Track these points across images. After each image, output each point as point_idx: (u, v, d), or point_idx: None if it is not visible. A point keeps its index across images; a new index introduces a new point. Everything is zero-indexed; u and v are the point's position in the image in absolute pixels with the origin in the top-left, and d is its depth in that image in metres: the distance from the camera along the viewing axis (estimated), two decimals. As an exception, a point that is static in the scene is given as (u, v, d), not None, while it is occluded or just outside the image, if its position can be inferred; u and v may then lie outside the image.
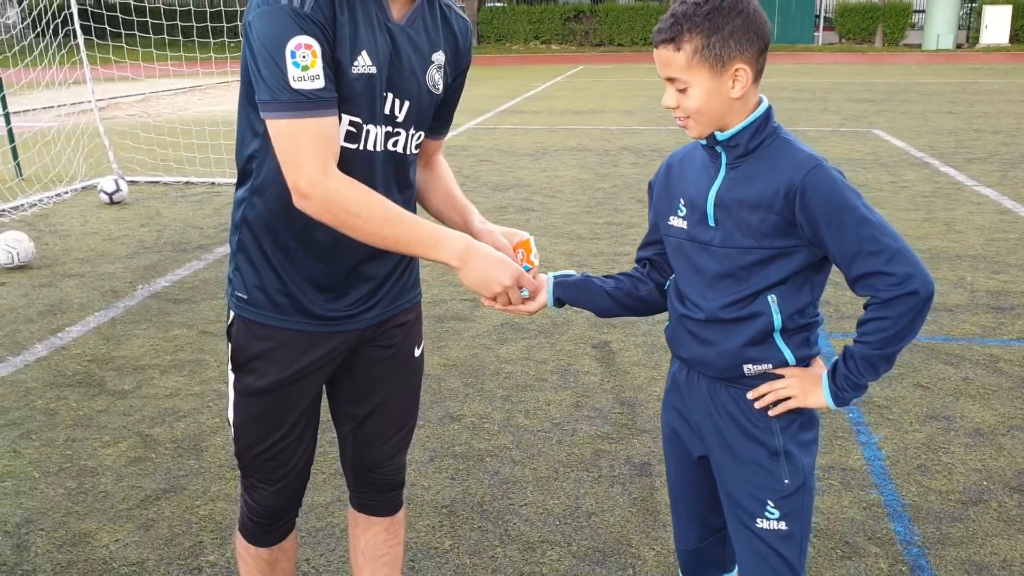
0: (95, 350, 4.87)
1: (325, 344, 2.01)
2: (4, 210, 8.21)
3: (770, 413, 1.86)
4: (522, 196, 8.77)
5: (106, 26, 9.82)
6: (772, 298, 1.81)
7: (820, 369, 1.88)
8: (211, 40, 11.83)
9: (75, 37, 9.10)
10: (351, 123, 1.82)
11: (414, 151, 1.99)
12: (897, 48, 36.16)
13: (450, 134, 2.36)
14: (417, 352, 2.20)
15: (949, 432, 3.78)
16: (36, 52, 9.54)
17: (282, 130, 1.73)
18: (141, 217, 8.04)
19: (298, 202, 1.78)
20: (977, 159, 10.41)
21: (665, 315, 2.05)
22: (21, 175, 9.86)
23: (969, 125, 13.39)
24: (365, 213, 1.77)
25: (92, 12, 9.56)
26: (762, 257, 1.79)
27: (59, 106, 11.19)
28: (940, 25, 35.52)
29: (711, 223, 1.83)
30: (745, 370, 1.86)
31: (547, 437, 3.82)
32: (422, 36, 1.91)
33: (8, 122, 9.87)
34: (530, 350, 4.78)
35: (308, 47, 1.68)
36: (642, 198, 8.35)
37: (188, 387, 4.36)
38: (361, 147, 1.86)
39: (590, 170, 10.16)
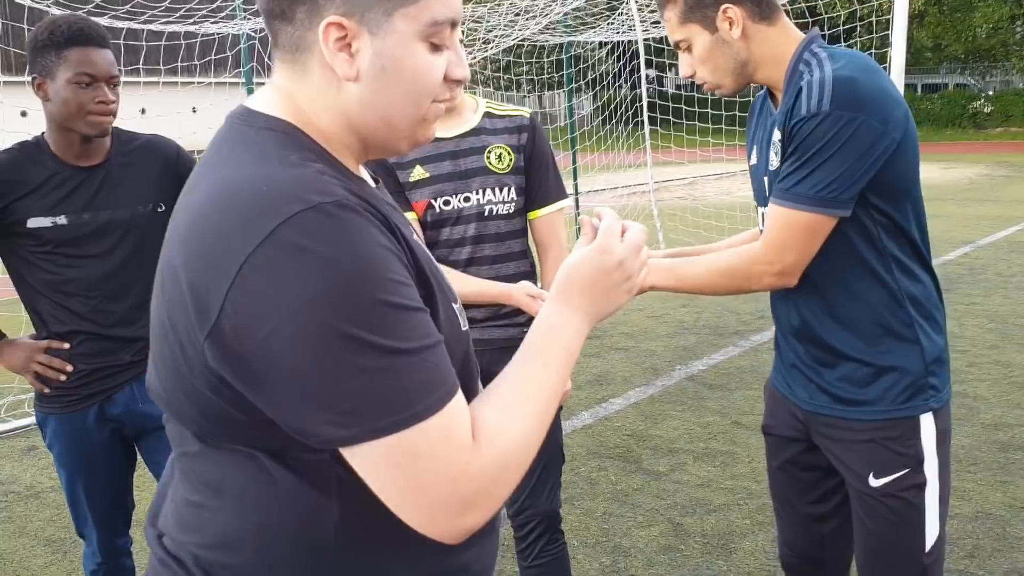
0: (634, 426, 5.08)
1: None
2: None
3: None
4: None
5: (670, 117, 10.55)
6: None
7: None
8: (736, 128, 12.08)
9: (642, 127, 9.92)
10: None
11: None
12: None
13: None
14: None
15: None
16: (610, 139, 10.59)
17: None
18: (682, 298, 8.36)
19: None
20: None
21: None
22: (582, 249, 10.95)
23: None
24: None
25: (659, 104, 10.35)
26: None
27: (621, 187, 12.27)
28: None
29: None
30: None
31: None
32: None
33: (577, 206, 11.07)
34: None
35: None
36: None
37: (719, 480, 4.31)
38: None
39: None
